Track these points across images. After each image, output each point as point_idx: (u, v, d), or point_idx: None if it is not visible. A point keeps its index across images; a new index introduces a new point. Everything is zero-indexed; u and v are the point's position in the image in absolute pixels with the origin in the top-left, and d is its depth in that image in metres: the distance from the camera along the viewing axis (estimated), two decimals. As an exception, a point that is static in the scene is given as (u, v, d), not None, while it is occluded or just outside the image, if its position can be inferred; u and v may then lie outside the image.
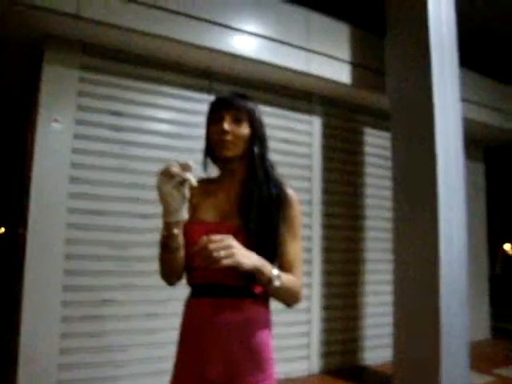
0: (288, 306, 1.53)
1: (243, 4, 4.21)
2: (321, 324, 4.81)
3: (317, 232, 4.85)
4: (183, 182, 1.33)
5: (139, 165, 3.95)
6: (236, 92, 1.63)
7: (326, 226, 4.94)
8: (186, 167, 1.34)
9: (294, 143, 4.83)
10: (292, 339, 4.60)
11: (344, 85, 4.76)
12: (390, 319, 4.27)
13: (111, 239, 3.81)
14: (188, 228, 1.50)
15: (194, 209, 1.58)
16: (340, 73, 4.69)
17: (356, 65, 4.78)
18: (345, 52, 4.74)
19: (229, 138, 1.51)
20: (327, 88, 4.85)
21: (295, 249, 1.53)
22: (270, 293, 1.45)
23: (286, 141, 4.74)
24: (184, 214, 1.39)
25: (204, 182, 1.65)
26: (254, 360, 1.46)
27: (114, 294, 3.79)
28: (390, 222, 4.78)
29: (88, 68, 3.90)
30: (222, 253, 1.24)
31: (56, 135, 3.70)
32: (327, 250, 4.91)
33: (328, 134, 5.08)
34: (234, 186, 1.59)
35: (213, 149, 1.57)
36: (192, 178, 1.33)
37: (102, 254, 3.78)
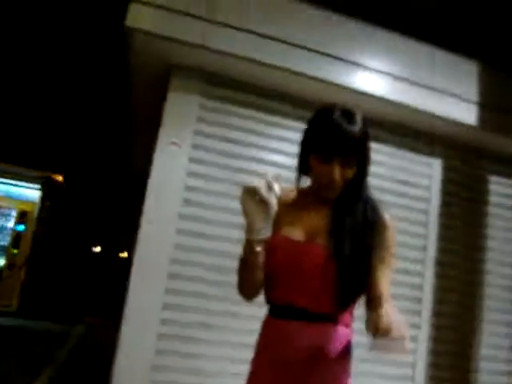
0: None
1: (368, 39, 4.16)
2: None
3: (429, 281, 4.49)
4: (267, 203, 1.28)
5: (249, 193, 3.97)
6: (353, 131, 1.41)
7: (440, 276, 4.56)
8: (272, 189, 1.28)
9: (412, 185, 4.57)
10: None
11: (469, 126, 4.45)
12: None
13: (217, 263, 3.83)
14: (271, 242, 1.41)
15: (277, 220, 1.44)
16: (466, 113, 4.40)
17: (484, 105, 4.46)
18: (472, 91, 4.45)
19: (337, 184, 1.40)
20: (451, 129, 4.56)
21: (387, 281, 1.38)
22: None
23: (403, 182, 4.51)
24: (267, 233, 1.34)
25: (286, 193, 1.53)
26: None
27: (214, 318, 3.77)
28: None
29: (209, 96, 4.06)
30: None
31: (173, 157, 3.86)
32: (439, 302, 4.51)
33: (449, 179, 4.74)
34: (326, 204, 1.48)
35: (313, 176, 1.47)
36: (274, 202, 1.29)
37: (207, 278, 3.80)
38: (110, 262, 18.23)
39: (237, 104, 4.12)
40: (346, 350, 1.40)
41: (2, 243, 9.87)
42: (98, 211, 16.41)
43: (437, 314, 4.49)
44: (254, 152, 4.09)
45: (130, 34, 3.71)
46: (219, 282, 3.79)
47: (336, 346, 1.36)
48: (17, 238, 9.85)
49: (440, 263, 4.58)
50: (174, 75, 4.03)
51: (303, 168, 1.52)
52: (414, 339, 4.33)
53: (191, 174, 3.89)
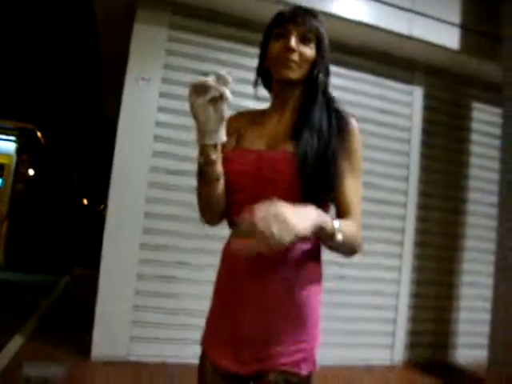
0: (346, 256, 1.28)
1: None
2: (409, 312, 4.43)
3: (411, 212, 4.45)
4: (220, 97, 1.12)
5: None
6: (303, 6, 1.36)
7: (422, 207, 4.52)
8: (223, 80, 1.13)
9: (392, 114, 4.45)
10: (376, 324, 4.28)
11: (451, 51, 4.29)
12: (487, 316, 3.84)
13: (191, 200, 3.73)
14: (229, 157, 1.28)
15: (237, 140, 1.36)
16: (447, 37, 4.24)
17: (466, 29, 4.29)
18: (454, 14, 4.27)
19: (295, 57, 1.28)
20: (431, 55, 4.39)
21: (355, 187, 1.28)
22: (329, 247, 1.21)
23: (382, 111, 4.38)
24: (222, 136, 1.18)
25: (251, 114, 1.44)
26: (296, 320, 1.24)
27: (190, 256, 3.73)
28: (494, 208, 4.27)
29: (177, 27, 3.85)
30: (276, 233, 1.00)
31: (143, 93, 3.69)
32: (421, 232, 4.50)
33: (430, 107, 4.62)
34: (287, 113, 1.36)
35: (270, 68, 1.34)
36: (228, 93, 1.12)
37: (180, 215, 3.72)
38: (97, 214, 18.17)
39: (206, 34, 3.91)
40: (314, 271, 1.30)
41: (-19, 198, 9.72)
42: (78, 163, 16.19)
43: (419, 244, 4.49)
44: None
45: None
46: (194, 219, 3.71)
47: (301, 267, 1.25)
48: (-5, 192, 9.70)
49: (422, 194, 4.53)
50: (140, 7, 3.79)
51: (262, 72, 1.40)
52: (397, 269, 4.36)
53: (162, 109, 3.73)
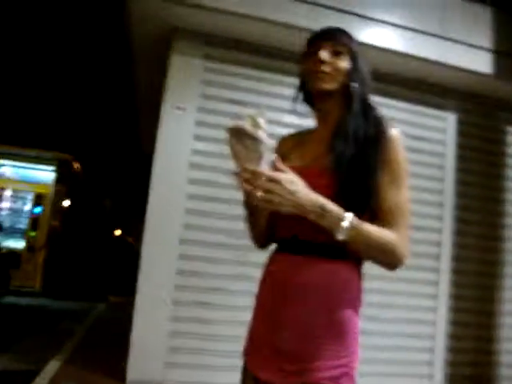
0: (386, 267, 1.27)
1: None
2: (447, 340, 4.30)
3: (447, 238, 4.38)
4: (255, 139, 1.17)
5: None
6: (336, 27, 1.44)
7: (459, 233, 4.44)
8: (257, 124, 1.18)
9: (426, 140, 4.43)
10: (413, 353, 4.17)
11: (484, 76, 4.27)
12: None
13: (228, 227, 3.78)
14: None
15: (282, 159, 1.37)
16: (479, 62, 4.23)
17: (498, 52, 4.27)
18: (485, 38, 4.27)
19: (326, 68, 1.33)
20: (464, 80, 4.38)
21: (397, 198, 1.26)
22: (349, 246, 1.21)
23: (416, 138, 4.37)
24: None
25: (298, 135, 1.51)
26: (336, 335, 1.24)
27: (227, 282, 3.74)
28: None
29: (212, 58, 3.98)
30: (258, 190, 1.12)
31: (179, 122, 3.80)
32: (458, 259, 4.41)
33: (464, 132, 4.59)
34: (328, 128, 1.38)
35: (308, 85, 1.40)
36: (264, 137, 1.17)
37: (216, 241, 3.76)
38: (132, 244, 18.42)
39: (240, 64, 4.03)
40: (354, 287, 1.30)
41: (21, 226, 10.00)
42: (113, 194, 16.53)
43: (456, 271, 4.39)
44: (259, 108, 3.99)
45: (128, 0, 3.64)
46: (229, 245, 3.76)
47: (341, 282, 1.26)
48: (34, 220, 9.97)
49: (458, 219, 4.46)
50: (176, 38, 3.95)
51: (304, 93, 1.47)
52: (433, 297, 4.27)
53: (198, 138, 3.83)
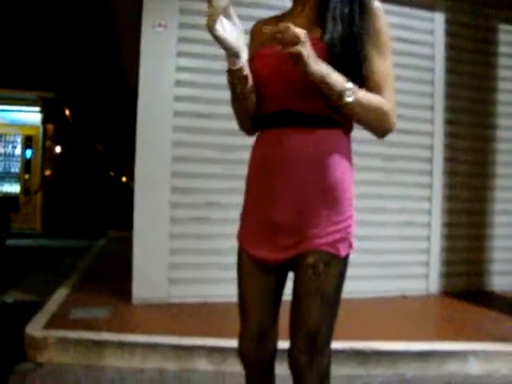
0: (377, 135, 1.31)
1: None
2: (442, 241, 4.42)
3: (439, 140, 4.37)
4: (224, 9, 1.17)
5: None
6: None
7: (450, 135, 4.43)
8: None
9: (414, 43, 4.31)
10: (410, 255, 4.29)
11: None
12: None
13: (216, 142, 3.77)
14: (255, 59, 1.34)
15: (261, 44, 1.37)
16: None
17: None
18: None
19: None
20: (452, -24, 4.22)
21: (384, 67, 1.28)
22: (345, 111, 1.22)
23: (404, 40, 4.24)
24: (244, 57, 1.25)
25: (274, 18, 1.46)
26: (330, 201, 1.26)
27: (221, 196, 3.78)
28: None
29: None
30: (288, 36, 1.09)
31: (161, 40, 3.68)
32: (450, 161, 4.44)
33: (453, 33, 4.46)
34: (307, 7, 1.36)
35: None
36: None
37: (208, 157, 3.76)
38: (126, 182, 18.42)
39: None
40: (343, 152, 1.30)
41: (14, 170, 9.97)
42: (104, 136, 16.36)
43: (448, 172, 4.44)
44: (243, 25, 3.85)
45: None
46: (221, 160, 3.76)
47: (329, 149, 1.27)
48: (27, 163, 9.93)
49: (449, 122, 4.44)
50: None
51: None
52: (428, 199, 4.35)
53: (181, 54, 3.73)
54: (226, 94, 3.69)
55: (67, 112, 11.51)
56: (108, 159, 17.94)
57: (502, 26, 4.67)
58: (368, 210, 3.99)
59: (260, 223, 1.33)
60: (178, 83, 3.71)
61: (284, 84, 1.28)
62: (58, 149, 11.51)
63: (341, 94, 1.17)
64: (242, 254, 1.40)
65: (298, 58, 1.10)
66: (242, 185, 3.68)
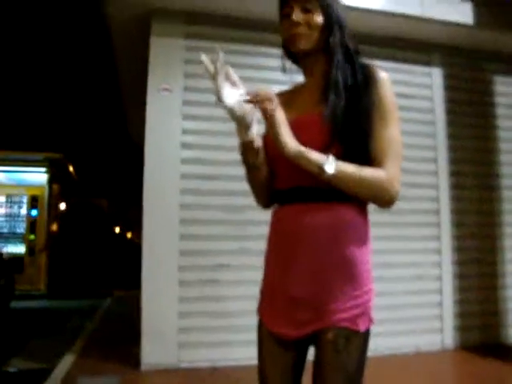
0: (378, 205, 1.28)
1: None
2: (454, 294, 4.35)
3: (444, 192, 4.39)
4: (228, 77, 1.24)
5: (248, 128, 3.86)
6: None
7: (455, 186, 4.46)
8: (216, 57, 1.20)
9: (413, 98, 4.41)
10: (422, 309, 4.21)
11: (466, 27, 4.24)
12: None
13: (224, 203, 3.78)
14: (267, 137, 1.34)
15: None
16: (460, 13, 4.20)
17: (479, 2, 4.23)
18: (463, -12, 4.22)
19: (300, 30, 1.32)
20: (446, 33, 4.35)
21: (388, 133, 1.26)
22: (335, 186, 1.22)
23: (403, 96, 4.33)
24: (254, 131, 1.27)
25: (286, 93, 1.49)
26: (348, 275, 1.25)
27: (230, 258, 3.76)
28: None
29: (193, 36, 3.94)
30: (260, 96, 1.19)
31: (166, 103, 3.77)
32: (457, 212, 4.43)
33: (451, 86, 4.57)
34: (315, 82, 1.39)
35: (288, 46, 1.40)
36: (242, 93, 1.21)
37: (215, 218, 3.76)
38: (131, 239, 18.37)
39: (222, 39, 3.97)
40: (361, 225, 1.30)
41: (19, 230, 9.99)
42: (109, 192, 16.45)
43: (456, 224, 4.42)
44: (247, 86, 3.95)
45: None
46: (229, 221, 3.76)
47: (346, 222, 1.26)
48: (32, 223, 9.96)
49: (453, 173, 4.47)
50: (155, 20, 3.90)
51: (288, 52, 1.45)
52: (437, 252, 4.30)
53: (186, 117, 3.80)
54: (232, 156, 3.75)
55: (72, 169, 11.65)
56: (113, 216, 18.00)
57: (498, 78, 4.78)
58: (377, 265, 3.92)
59: (278, 298, 1.31)
60: (184, 145, 3.77)
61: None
62: (62, 207, 11.56)
63: (320, 167, 1.17)
64: (262, 327, 1.38)
65: (268, 116, 1.19)
66: (250, 245, 3.71)
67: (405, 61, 4.44)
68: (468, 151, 4.57)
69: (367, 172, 1.22)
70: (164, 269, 3.64)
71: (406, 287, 4.16)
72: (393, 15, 4.04)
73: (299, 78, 1.49)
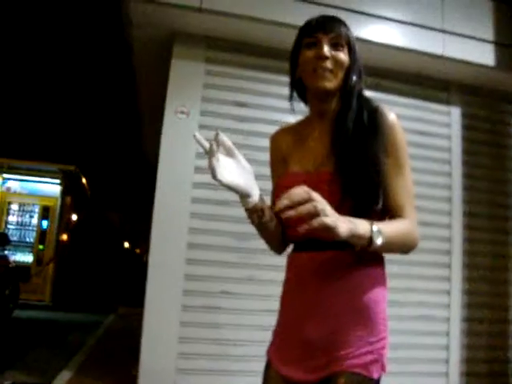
0: (402, 253, 1.29)
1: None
2: (462, 338, 4.23)
3: (457, 233, 4.31)
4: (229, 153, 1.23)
5: (262, 155, 3.84)
6: (329, 15, 1.37)
7: (468, 227, 4.38)
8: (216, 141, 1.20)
9: (431, 136, 4.37)
10: (428, 351, 4.10)
11: (486, 68, 4.22)
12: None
13: (233, 230, 3.75)
14: (278, 184, 1.37)
15: (285, 161, 1.42)
16: (481, 54, 4.18)
17: (500, 44, 4.22)
18: (486, 30, 4.22)
19: (329, 65, 1.28)
20: (466, 73, 4.33)
21: (403, 183, 1.26)
22: (376, 251, 1.20)
23: (421, 133, 4.31)
24: (256, 195, 1.25)
25: (293, 129, 1.47)
26: (363, 321, 1.22)
27: (234, 286, 3.71)
28: None
29: (213, 61, 3.96)
30: (305, 210, 1.01)
31: (182, 125, 3.79)
32: (469, 254, 4.34)
33: (469, 126, 4.53)
34: (326, 125, 1.36)
35: (305, 79, 1.36)
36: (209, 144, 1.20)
37: (224, 245, 3.73)
38: (139, 255, 18.36)
39: (242, 66, 4.01)
40: (376, 274, 1.29)
41: (29, 240, 10.03)
42: (120, 207, 16.53)
43: (468, 266, 4.32)
44: (263, 113, 3.97)
45: (126, 6, 3.64)
46: (236, 248, 3.73)
47: (362, 270, 1.24)
48: (42, 234, 10.00)
49: (468, 214, 4.40)
50: (176, 43, 3.94)
51: (297, 85, 1.42)
52: (446, 293, 4.21)
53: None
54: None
55: (85, 182, 11.73)
56: (124, 231, 18.04)
57: (514, 120, 4.73)
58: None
59: (291, 341, 1.29)
60: (197, 169, 3.76)
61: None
62: (73, 219, 11.62)
63: (370, 241, 1.12)
64: (269, 367, 1.34)
65: (326, 228, 1.03)
66: (257, 274, 3.66)
67: (424, 98, 4.41)
68: (483, 192, 4.50)
69: (402, 230, 1.21)
70: (168, 293, 3.60)
71: (412, 327, 4.06)
72: (415, 52, 4.03)
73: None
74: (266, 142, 3.87)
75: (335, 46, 1.30)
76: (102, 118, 11.33)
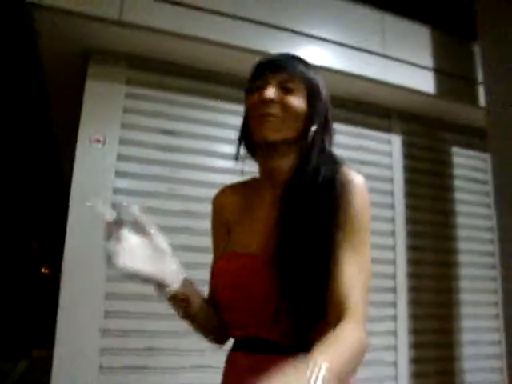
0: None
1: (308, 7, 3.69)
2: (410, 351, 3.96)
3: (401, 268, 4.07)
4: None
5: (192, 190, 3.40)
6: (286, 52, 1.18)
7: (412, 261, 4.16)
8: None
9: (372, 165, 4.14)
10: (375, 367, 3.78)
11: (427, 95, 4.06)
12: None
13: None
14: (216, 264, 1.18)
15: (229, 232, 1.20)
16: (422, 81, 4.01)
17: (441, 72, 4.09)
18: (427, 57, 4.07)
19: (273, 109, 1.04)
20: (407, 100, 4.15)
21: (355, 269, 1.01)
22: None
23: (362, 162, 4.05)
24: (175, 282, 1.08)
25: (241, 191, 1.23)
26: None
27: (161, 341, 3.20)
28: (488, 257, 4.30)
29: (134, 82, 3.48)
30: None
31: (98, 156, 3.27)
32: (414, 290, 4.12)
33: (410, 155, 4.35)
34: (279, 192, 1.12)
35: (251, 131, 1.10)
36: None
37: (147, 293, 3.22)
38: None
39: (168, 89, 3.56)
40: None
41: None
42: (39, 233, 15.41)
43: (413, 302, 4.10)
44: (193, 142, 3.53)
45: (31, 14, 3.09)
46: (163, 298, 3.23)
47: None
48: None
49: (411, 247, 4.18)
50: (92, 60, 3.44)
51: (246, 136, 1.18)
52: (393, 333, 3.94)
53: (120, 174, 3.29)
54: (172, 222, 3.25)
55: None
56: (43, 256, 16.80)
57: (456, 150, 4.61)
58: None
59: None
60: (115, 207, 3.24)
61: (249, 310, 1.06)
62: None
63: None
64: None
65: None
66: (183, 326, 3.13)
67: (365, 125, 4.18)
68: (426, 224, 4.31)
69: (351, 347, 0.87)
70: (82, 351, 3.04)
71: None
72: (356, 77, 3.78)
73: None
74: (197, 175, 3.42)
75: (285, 90, 1.07)
76: (15, 140, 10.42)
